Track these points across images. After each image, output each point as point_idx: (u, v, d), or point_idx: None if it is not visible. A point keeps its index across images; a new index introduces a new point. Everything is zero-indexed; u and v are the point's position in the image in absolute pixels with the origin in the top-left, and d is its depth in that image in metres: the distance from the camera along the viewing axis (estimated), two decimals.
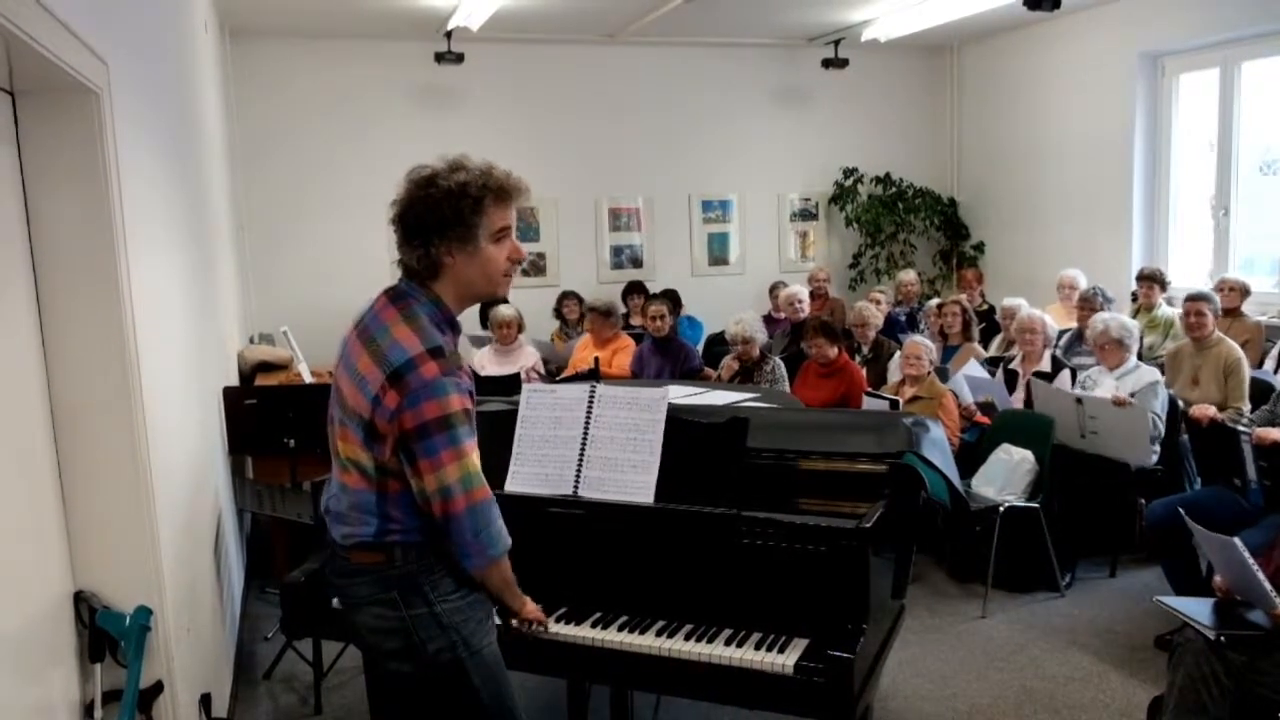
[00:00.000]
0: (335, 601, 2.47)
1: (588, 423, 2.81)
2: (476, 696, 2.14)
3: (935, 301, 7.03)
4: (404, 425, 1.99)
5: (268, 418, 4.40)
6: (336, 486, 2.18)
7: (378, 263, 7.89)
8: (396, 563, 2.10)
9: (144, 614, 2.32)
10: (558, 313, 8.04)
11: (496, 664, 2.19)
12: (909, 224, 9.10)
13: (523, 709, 2.24)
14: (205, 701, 3.00)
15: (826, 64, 8.45)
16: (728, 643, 2.50)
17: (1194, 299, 5.25)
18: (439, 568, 2.12)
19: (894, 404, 4.90)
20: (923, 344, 5.23)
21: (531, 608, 2.31)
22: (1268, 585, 2.83)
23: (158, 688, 2.43)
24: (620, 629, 2.60)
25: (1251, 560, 2.84)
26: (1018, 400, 5.29)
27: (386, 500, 2.09)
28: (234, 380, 5.36)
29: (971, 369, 5.45)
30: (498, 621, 2.25)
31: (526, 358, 6.42)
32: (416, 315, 2.07)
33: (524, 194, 2.15)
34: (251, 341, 6.72)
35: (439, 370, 2.00)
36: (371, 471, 2.08)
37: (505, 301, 6.82)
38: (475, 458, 2.05)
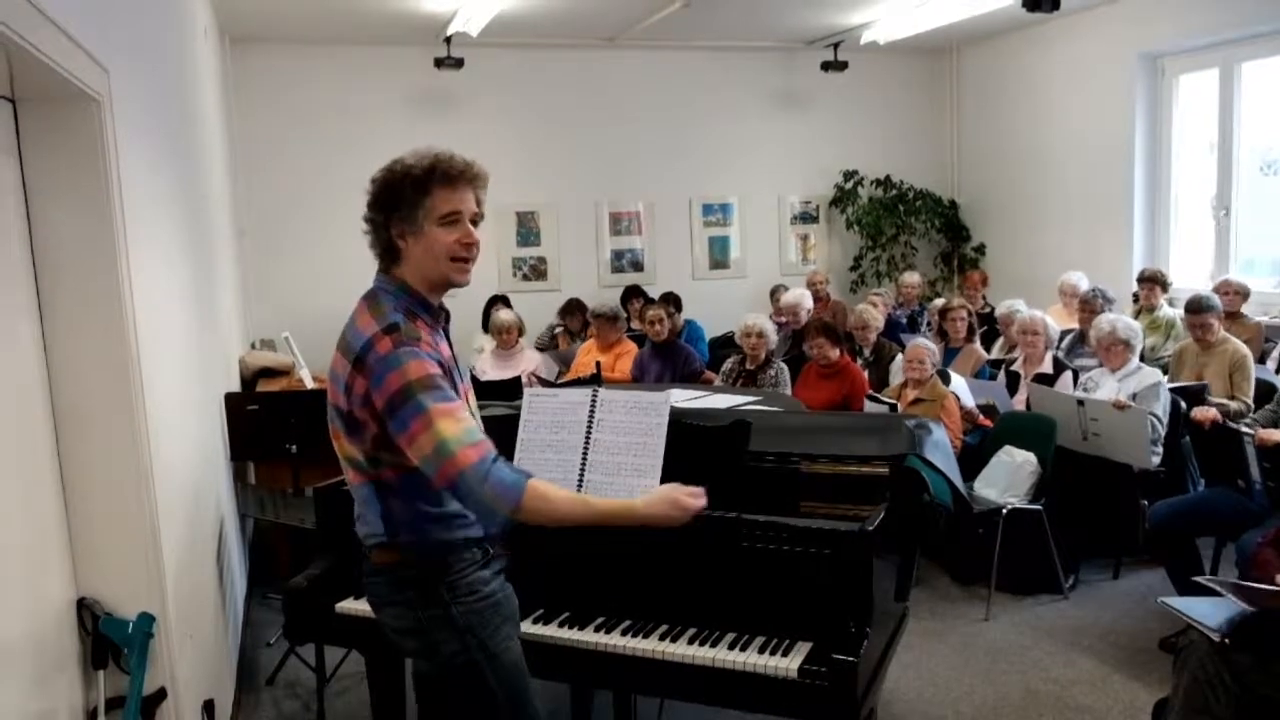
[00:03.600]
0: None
1: (590, 427, 2.80)
2: (493, 699, 2.15)
3: (940, 302, 7.02)
4: (377, 407, 2.01)
5: (269, 423, 4.40)
6: (351, 491, 2.21)
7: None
8: (411, 564, 2.11)
9: (146, 621, 2.32)
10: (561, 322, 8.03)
11: (515, 667, 2.19)
12: (909, 226, 9.10)
13: (544, 713, 2.24)
14: (208, 708, 2.99)
15: (826, 67, 8.46)
16: (731, 646, 2.50)
17: (1195, 311, 5.17)
18: (457, 569, 2.12)
19: (893, 408, 4.90)
20: (925, 347, 5.23)
21: (680, 502, 2.16)
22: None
23: (160, 694, 2.42)
24: (624, 633, 2.60)
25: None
26: (1020, 402, 5.29)
27: (385, 490, 2.10)
28: (235, 386, 5.37)
29: (962, 387, 5.39)
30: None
31: (527, 362, 6.43)
32: (380, 303, 2.12)
33: (475, 179, 2.13)
34: (253, 347, 6.73)
35: (392, 344, 2.02)
36: (365, 464, 2.10)
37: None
38: (449, 422, 1.98)
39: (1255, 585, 2.94)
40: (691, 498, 2.20)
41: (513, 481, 1.99)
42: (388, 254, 2.15)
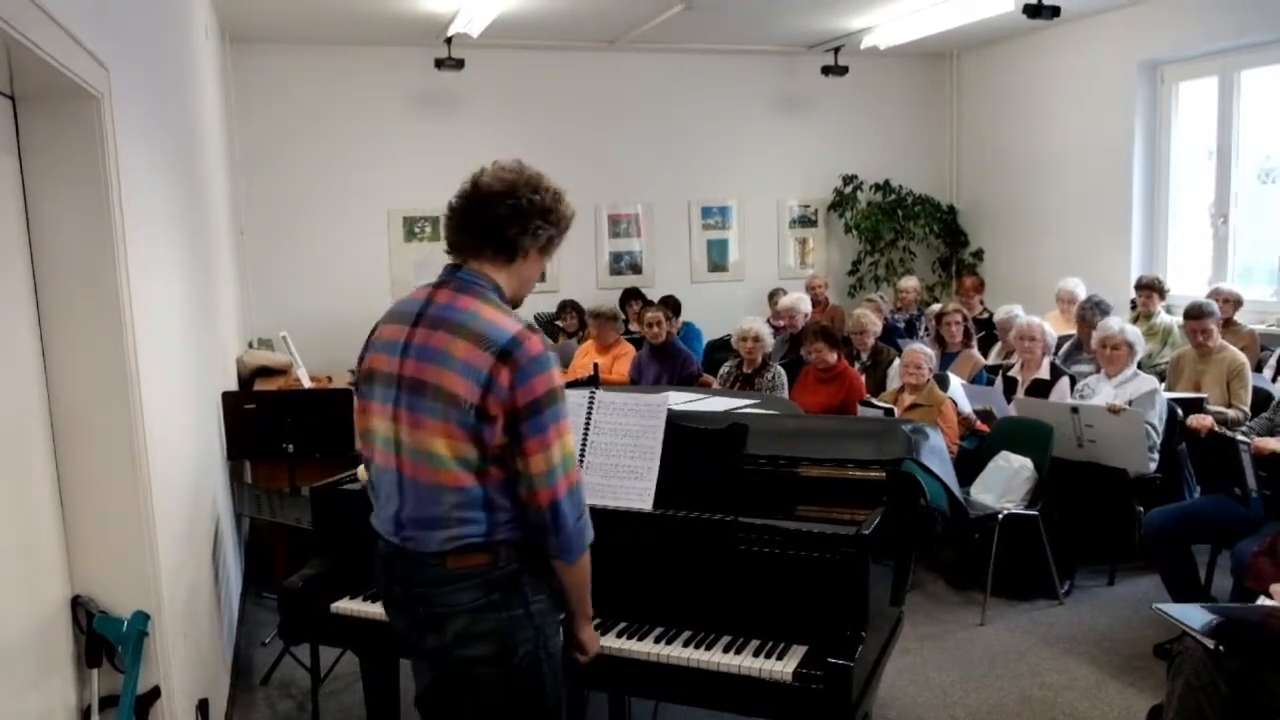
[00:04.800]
0: (391, 616, 2.28)
1: (587, 429, 2.81)
2: (543, 696, 2.14)
3: (936, 308, 7.03)
4: (516, 403, 2.00)
5: (266, 422, 4.40)
6: (423, 494, 2.07)
7: (377, 267, 7.92)
8: (500, 563, 2.08)
9: (141, 619, 2.32)
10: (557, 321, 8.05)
11: (560, 663, 2.20)
12: (908, 231, 9.11)
13: None
14: (203, 707, 2.99)
15: (826, 71, 8.47)
16: (726, 649, 2.50)
17: (1196, 316, 5.21)
18: (533, 565, 2.12)
19: (888, 413, 4.90)
20: (922, 352, 5.23)
21: (593, 633, 2.31)
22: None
23: (155, 693, 2.42)
24: (619, 635, 2.60)
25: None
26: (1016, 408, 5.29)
27: (492, 490, 2.06)
28: (233, 385, 5.36)
29: (960, 392, 5.41)
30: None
31: None
32: (492, 299, 2.11)
33: None
34: (250, 346, 6.72)
35: (541, 346, 2.04)
36: (476, 462, 2.03)
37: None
38: (570, 440, 2.08)
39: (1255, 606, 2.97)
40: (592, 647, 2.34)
41: (590, 527, 2.13)
42: (499, 253, 2.13)
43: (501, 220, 2.11)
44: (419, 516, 2.09)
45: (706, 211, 9.01)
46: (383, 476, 2.15)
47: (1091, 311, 5.99)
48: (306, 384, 5.52)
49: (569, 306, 7.92)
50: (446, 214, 2.20)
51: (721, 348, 7.20)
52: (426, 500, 2.07)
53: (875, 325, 6.41)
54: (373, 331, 2.24)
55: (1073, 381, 5.23)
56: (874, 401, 5.16)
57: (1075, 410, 4.76)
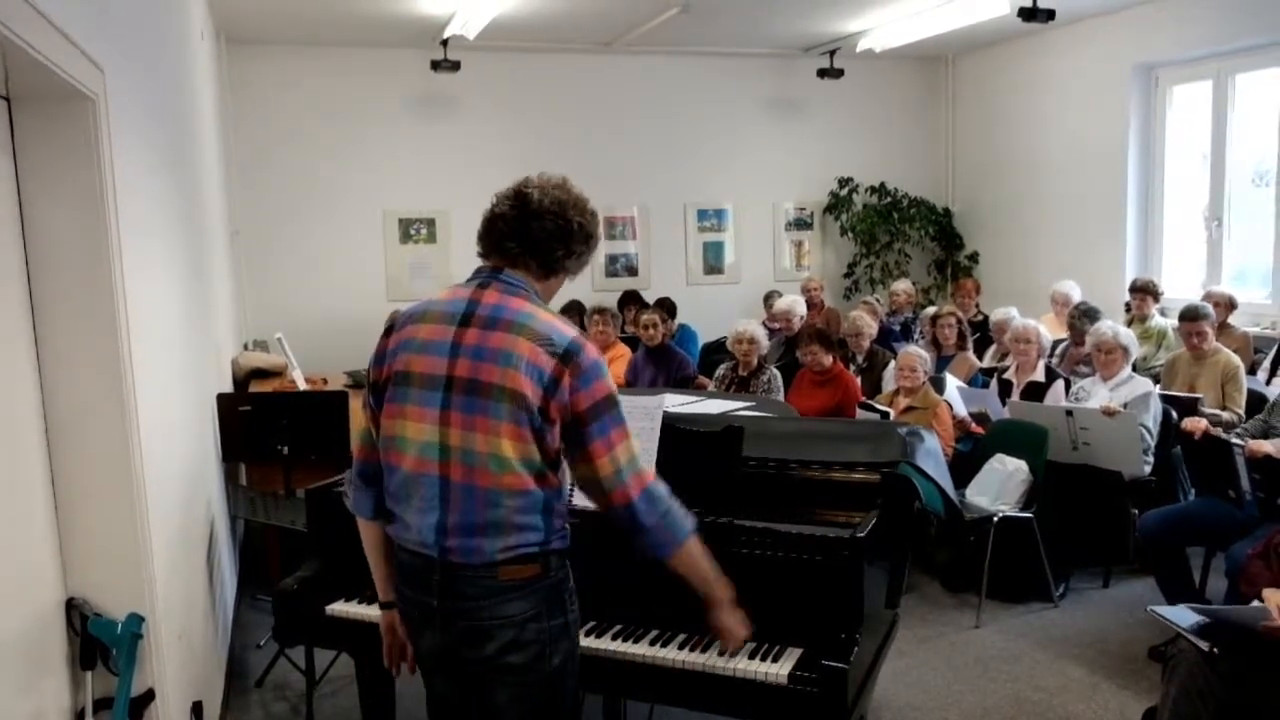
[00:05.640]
0: (426, 632, 2.14)
1: None
2: (560, 706, 2.14)
3: (931, 310, 7.04)
4: (577, 407, 2.01)
5: (261, 424, 4.39)
6: (480, 498, 2.00)
7: (373, 268, 7.91)
8: (551, 571, 2.07)
9: (136, 621, 2.31)
10: None
11: (577, 670, 2.21)
12: (904, 234, 9.12)
13: None
14: (197, 710, 2.98)
15: (822, 74, 8.48)
16: (721, 652, 2.50)
17: (1190, 319, 5.21)
18: (570, 574, 2.13)
19: (885, 416, 4.90)
20: (917, 355, 5.24)
21: (732, 616, 2.27)
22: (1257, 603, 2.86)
23: (149, 696, 2.42)
24: (614, 638, 2.60)
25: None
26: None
27: (550, 496, 2.05)
28: (228, 387, 5.36)
29: (956, 395, 5.42)
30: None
31: None
32: (540, 304, 2.12)
33: None
34: (246, 348, 6.71)
35: (597, 353, 2.07)
36: (538, 465, 2.01)
37: None
38: (634, 439, 2.10)
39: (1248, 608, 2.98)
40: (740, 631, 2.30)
41: (685, 519, 2.14)
42: (540, 266, 2.14)
43: (549, 237, 2.12)
44: (471, 523, 2.01)
45: (702, 214, 9.01)
46: (417, 483, 2.04)
47: (1081, 320, 5.99)
48: (302, 386, 5.51)
49: (572, 308, 7.91)
50: (488, 217, 2.16)
51: (717, 350, 7.21)
52: (482, 505, 2.00)
53: (871, 328, 6.42)
54: (388, 333, 2.14)
55: (1068, 384, 5.24)
56: (871, 404, 5.17)
57: (1070, 413, 4.76)
